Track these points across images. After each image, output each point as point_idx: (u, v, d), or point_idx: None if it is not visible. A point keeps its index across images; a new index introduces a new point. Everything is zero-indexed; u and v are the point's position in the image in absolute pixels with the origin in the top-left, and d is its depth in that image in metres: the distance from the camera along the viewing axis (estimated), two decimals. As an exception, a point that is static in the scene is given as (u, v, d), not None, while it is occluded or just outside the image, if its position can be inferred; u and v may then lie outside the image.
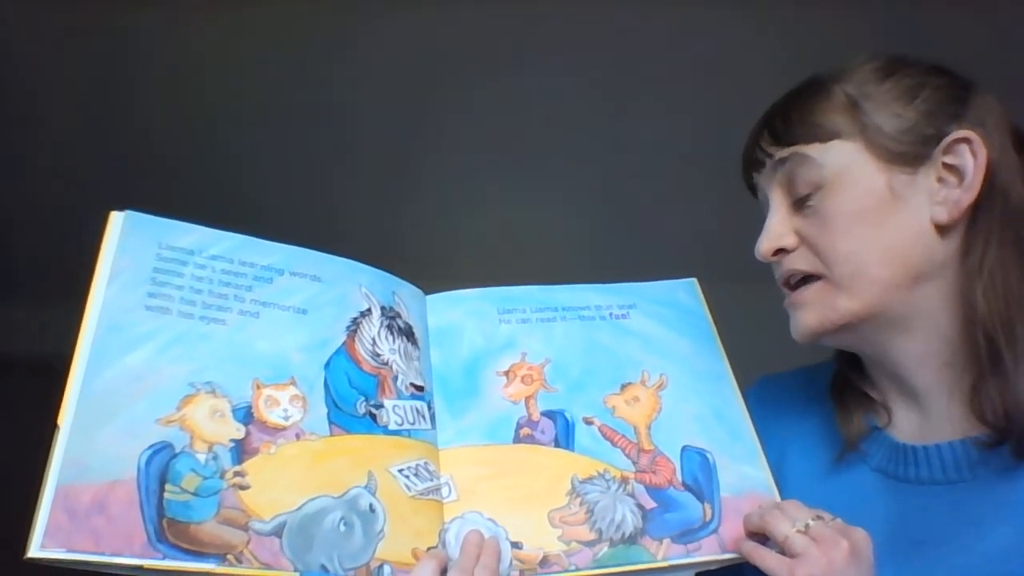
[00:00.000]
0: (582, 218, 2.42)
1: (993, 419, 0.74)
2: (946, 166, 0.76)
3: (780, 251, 0.81)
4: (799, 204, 0.80)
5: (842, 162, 0.77)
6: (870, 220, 0.76)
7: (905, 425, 0.83)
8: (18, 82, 2.07)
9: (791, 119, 0.80)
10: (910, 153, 0.76)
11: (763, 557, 0.72)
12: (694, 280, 0.96)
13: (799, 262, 0.80)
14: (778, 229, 0.81)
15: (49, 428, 0.63)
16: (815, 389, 0.90)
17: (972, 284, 0.76)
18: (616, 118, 2.15)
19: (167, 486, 0.64)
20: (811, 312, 0.79)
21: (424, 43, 2.00)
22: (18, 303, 2.55)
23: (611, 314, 0.91)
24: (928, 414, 0.81)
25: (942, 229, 0.77)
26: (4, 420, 2.42)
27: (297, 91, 2.12)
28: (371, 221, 2.41)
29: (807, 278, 0.80)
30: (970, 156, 0.76)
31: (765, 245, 0.81)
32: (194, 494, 0.64)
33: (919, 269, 0.77)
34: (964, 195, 0.76)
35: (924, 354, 0.79)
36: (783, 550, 0.72)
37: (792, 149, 0.79)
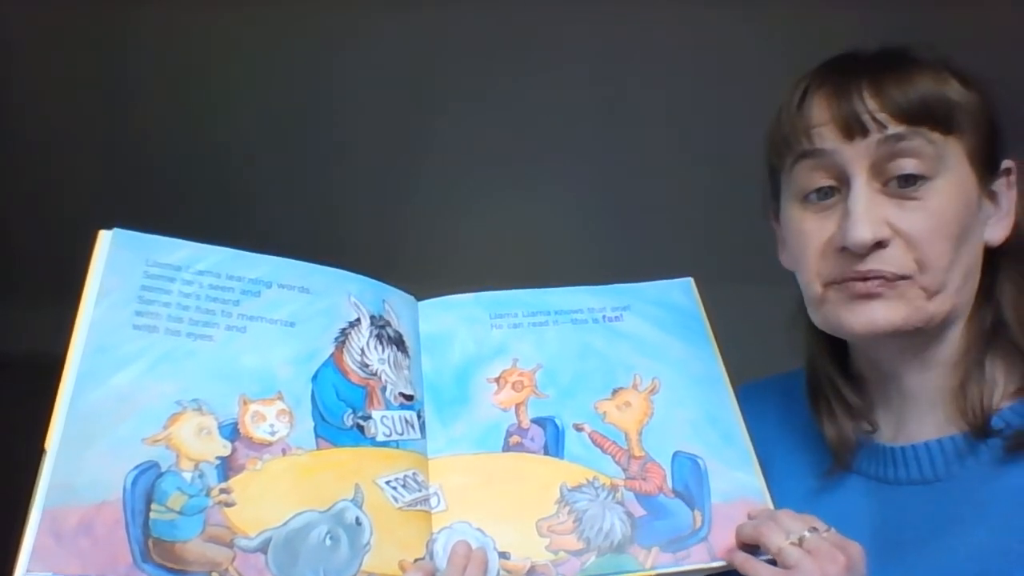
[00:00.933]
0: (581, 219, 2.41)
1: (973, 418, 0.75)
2: (991, 192, 0.78)
3: (878, 244, 0.74)
4: (895, 191, 0.74)
5: (955, 160, 0.74)
6: (964, 230, 0.75)
7: (885, 427, 0.83)
8: (17, 81, 2.08)
9: (914, 90, 0.73)
10: (986, 172, 0.77)
11: (755, 569, 0.72)
12: (690, 280, 0.95)
13: (893, 261, 0.74)
14: (874, 216, 0.73)
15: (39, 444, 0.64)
16: (795, 396, 0.89)
17: (1009, 310, 0.78)
18: (615, 119, 2.14)
19: (153, 505, 0.64)
20: (898, 307, 0.74)
21: (423, 43, 2.00)
22: (18, 303, 2.57)
23: (604, 316, 0.91)
24: (909, 415, 0.82)
25: (984, 250, 0.79)
26: (4, 420, 2.45)
27: (295, 93, 2.12)
28: (369, 222, 2.41)
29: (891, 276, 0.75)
30: (1007, 187, 0.79)
31: (869, 234, 0.72)
32: (180, 513, 0.65)
33: (974, 285, 0.78)
34: (1008, 221, 0.78)
35: (933, 359, 0.80)
36: (776, 562, 0.71)
37: (917, 128, 0.73)
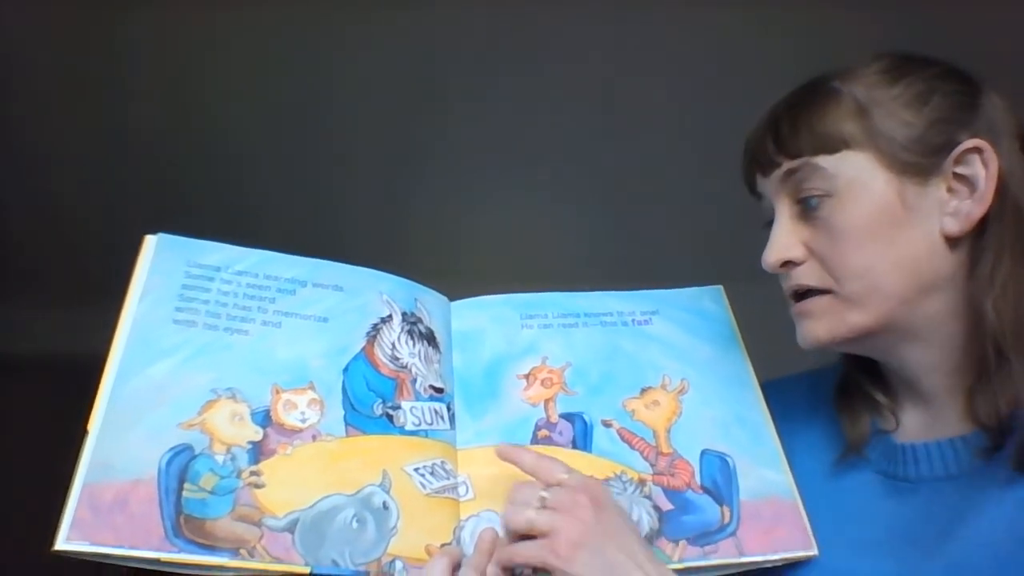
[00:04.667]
0: (583, 219, 2.41)
1: (987, 420, 0.74)
2: (956, 176, 0.76)
3: (788, 263, 0.79)
4: (806, 214, 0.78)
5: (853, 173, 0.76)
6: (882, 233, 0.75)
7: (912, 425, 0.82)
8: (17, 82, 2.14)
9: (799, 126, 0.78)
10: (921, 164, 0.75)
11: (519, 553, 0.70)
12: (720, 287, 0.96)
13: (807, 277, 0.79)
14: (785, 240, 0.79)
15: (73, 429, 0.68)
16: (819, 393, 0.89)
17: (982, 296, 0.75)
18: (617, 118, 2.15)
19: (186, 485, 0.68)
20: (820, 323, 0.78)
21: (426, 44, 2.03)
22: (19, 303, 2.63)
23: (633, 320, 0.92)
24: (935, 414, 0.81)
25: (951, 241, 0.76)
26: (9, 419, 2.52)
27: (298, 93, 2.15)
28: (371, 222, 2.42)
29: (814, 290, 0.79)
30: (981, 166, 0.75)
31: (772, 257, 0.79)
32: (211, 492, 0.68)
33: (929, 282, 0.76)
34: (976, 207, 0.75)
35: (930, 359, 0.79)
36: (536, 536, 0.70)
37: (801, 160, 0.77)
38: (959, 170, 0.75)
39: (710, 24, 1.87)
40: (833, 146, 0.76)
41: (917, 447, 0.79)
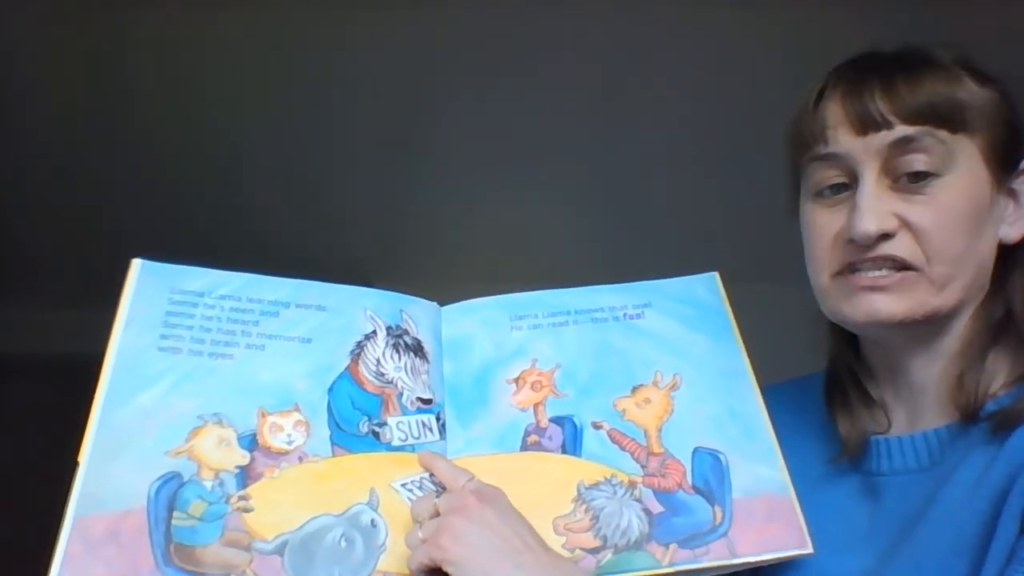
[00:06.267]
0: (583, 219, 2.41)
1: (966, 405, 0.76)
2: (1011, 190, 0.78)
3: (883, 235, 0.76)
4: (902, 186, 0.76)
5: (966, 157, 0.76)
6: (975, 225, 0.76)
7: (897, 422, 0.83)
8: (18, 82, 2.16)
9: (921, 91, 0.75)
10: (1002, 170, 0.77)
11: (412, 559, 0.70)
12: (714, 274, 0.94)
13: (902, 249, 0.75)
14: (882, 209, 0.75)
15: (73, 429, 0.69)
16: (807, 398, 0.89)
17: (1018, 301, 0.78)
18: (616, 117, 2.13)
19: (175, 513, 0.69)
20: (901, 300, 0.76)
21: (426, 44, 2.03)
22: (19, 303, 2.66)
23: (625, 315, 0.91)
24: (919, 409, 0.81)
25: (1000, 247, 0.80)
26: (9, 419, 2.56)
27: (298, 93, 2.16)
28: (370, 222, 2.43)
29: (899, 265, 0.77)
30: None
31: (873, 226, 0.75)
32: (200, 519, 0.70)
33: (984, 280, 0.79)
34: None
35: (939, 350, 0.80)
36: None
37: (923, 128, 0.74)
38: (1015, 185, 0.79)
39: (710, 24, 1.85)
40: (954, 123, 0.75)
41: (891, 441, 0.80)
